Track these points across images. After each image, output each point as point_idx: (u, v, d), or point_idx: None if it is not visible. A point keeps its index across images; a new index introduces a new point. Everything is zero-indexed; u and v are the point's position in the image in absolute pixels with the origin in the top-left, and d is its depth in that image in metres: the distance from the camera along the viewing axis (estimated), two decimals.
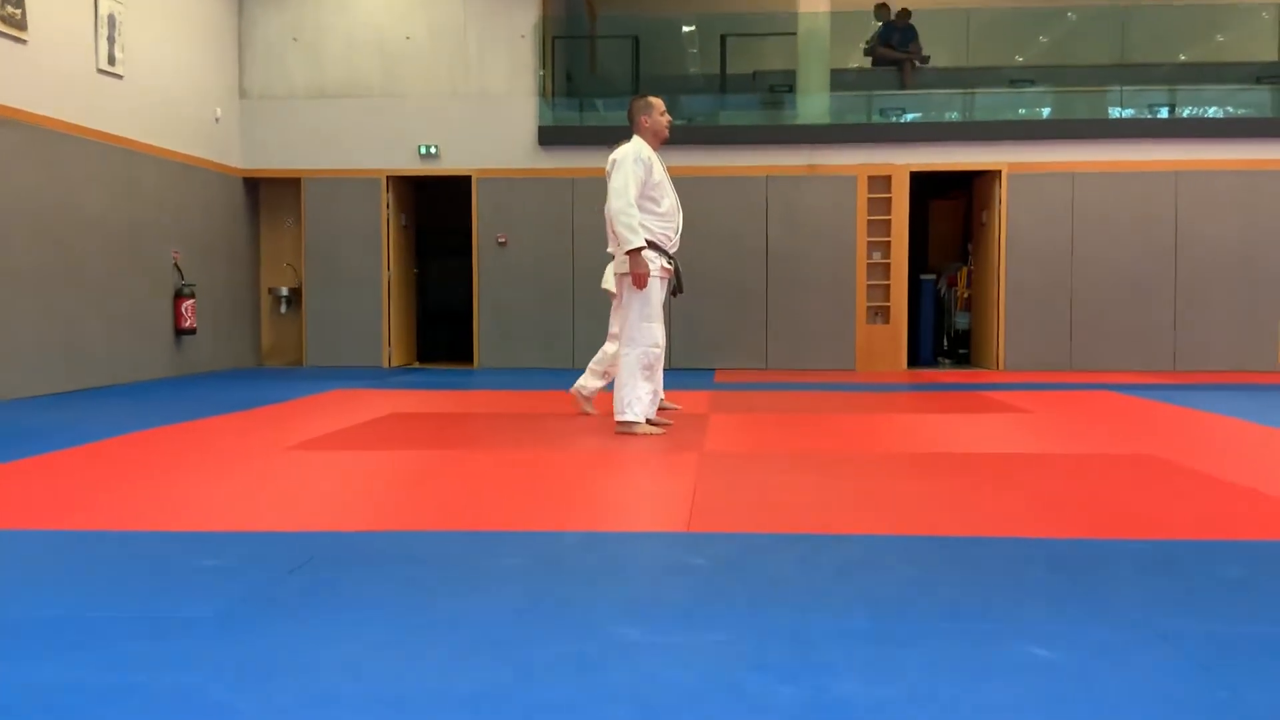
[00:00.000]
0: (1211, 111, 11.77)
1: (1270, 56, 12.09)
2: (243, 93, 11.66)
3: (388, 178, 11.62)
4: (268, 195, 12.08)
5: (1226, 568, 3.01)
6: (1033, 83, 12.19)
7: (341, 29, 11.59)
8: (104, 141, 9.11)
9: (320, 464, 4.95)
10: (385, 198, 11.61)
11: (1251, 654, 2.28)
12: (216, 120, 11.14)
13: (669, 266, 5.92)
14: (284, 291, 11.99)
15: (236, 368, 11.40)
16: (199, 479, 4.51)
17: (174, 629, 2.46)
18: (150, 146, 9.83)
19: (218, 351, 11.02)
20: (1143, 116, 11.59)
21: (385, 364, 11.63)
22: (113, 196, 9.23)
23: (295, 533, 3.47)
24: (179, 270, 10.19)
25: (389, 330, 11.70)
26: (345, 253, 11.59)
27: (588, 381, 6.75)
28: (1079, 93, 11.96)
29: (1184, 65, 12.97)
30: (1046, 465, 4.89)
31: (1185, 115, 11.70)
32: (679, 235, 5.99)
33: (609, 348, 6.58)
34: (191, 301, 10.22)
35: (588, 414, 6.70)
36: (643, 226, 5.67)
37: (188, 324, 10.19)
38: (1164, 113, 11.68)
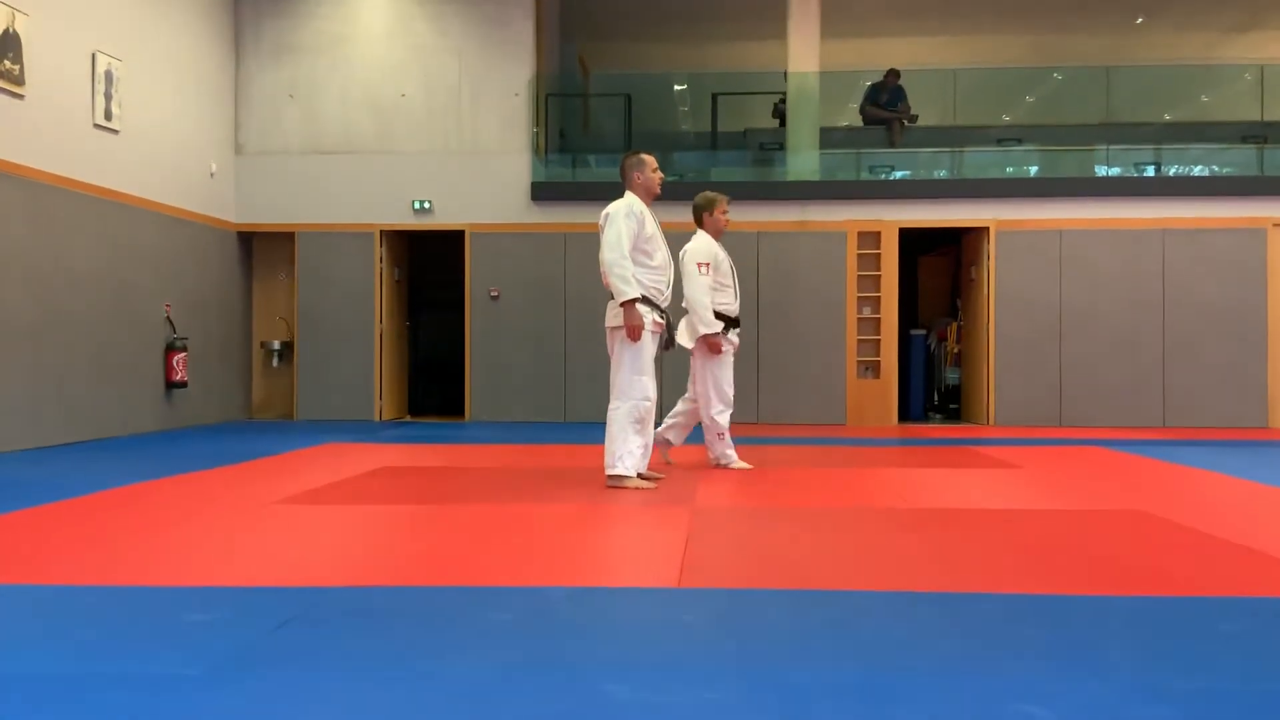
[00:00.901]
0: (1197, 170, 11.92)
1: (1254, 116, 12.26)
2: (238, 148, 11.74)
3: (381, 232, 11.68)
4: (261, 249, 12.12)
5: (1221, 624, 3.00)
6: (1020, 141, 12.34)
7: (337, 86, 11.71)
8: (99, 196, 9.16)
9: (309, 518, 4.92)
10: (379, 252, 11.65)
11: (1245, 712, 2.27)
12: (211, 175, 11.21)
13: (661, 320, 5.95)
14: (276, 345, 11.99)
15: (227, 421, 11.36)
16: (187, 533, 4.48)
17: (160, 685, 2.42)
18: (145, 201, 9.88)
19: (208, 405, 10.99)
20: (1129, 175, 11.73)
21: (377, 417, 11.60)
22: (106, 250, 9.25)
23: (283, 588, 3.44)
24: (171, 323, 10.19)
25: (381, 384, 11.69)
26: (338, 306, 11.61)
27: (669, 435, 7.01)
28: (1066, 151, 12.10)
29: (1169, 125, 13.15)
30: (1039, 521, 4.88)
31: (1171, 174, 11.85)
32: (670, 289, 6.04)
33: (685, 404, 6.98)
34: (183, 355, 10.21)
35: (668, 464, 6.93)
36: (635, 279, 5.72)
37: (179, 377, 10.16)
38: (1150, 171, 11.83)
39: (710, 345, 6.59)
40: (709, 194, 6.88)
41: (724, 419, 6.78)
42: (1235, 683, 2.48)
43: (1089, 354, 11.18)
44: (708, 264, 6.59)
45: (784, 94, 11.96)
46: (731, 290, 6.78)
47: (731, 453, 6.83)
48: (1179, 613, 3.15)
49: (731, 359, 6.81)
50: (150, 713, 2.24)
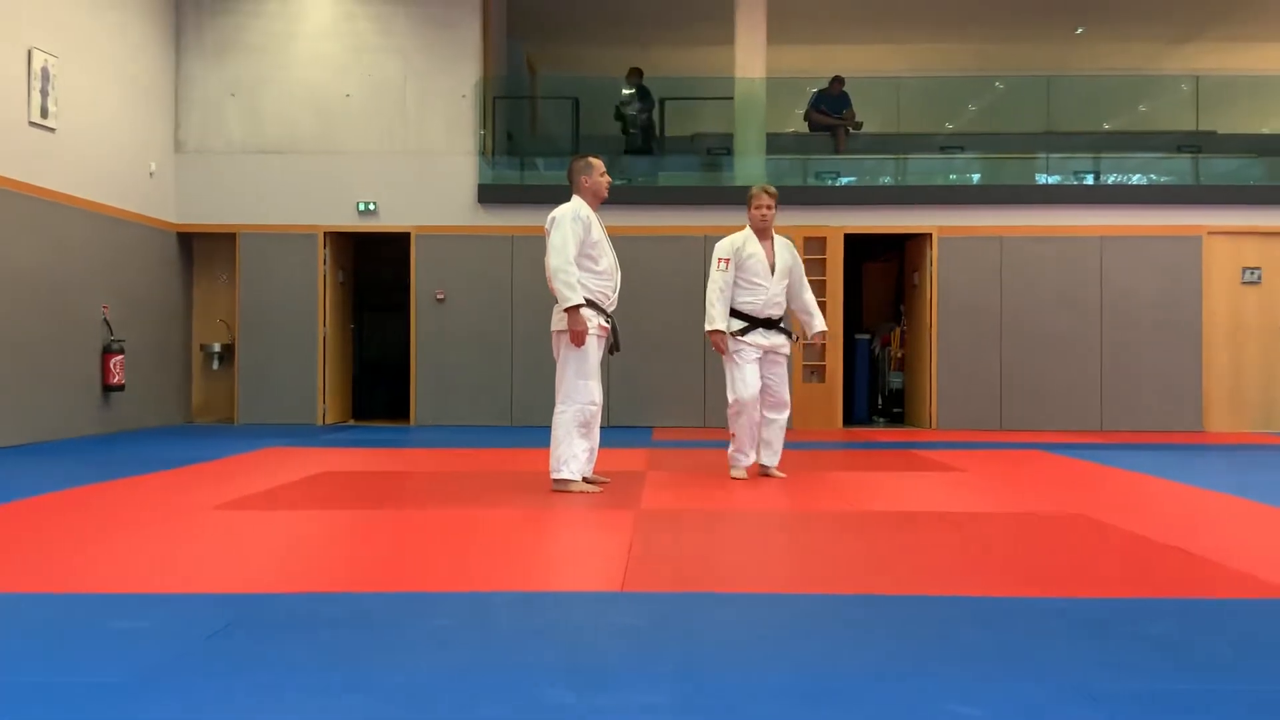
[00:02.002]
0: (1135, 178, 12.15)
1: (1190, 126, 12.53)
2: (178, 147, 11.55)
3: (325, 234, 11.55)
4: (202, 250, 11.94)
5: (1152, 625, 3.05)
6: (962, 149, 12.51)
7: (279, 85, 11.57)
8: (35, 195, 8.96)
9: (247, 524, 4.84)
10: (322, 253, 11.53)
11: (1174, 712, 2.31)
12: (151, 174, 11.01)
13: (607, 325, 5.94)
14: (216, 348, 11.81)
15: (166, 425, 11.16)
16: (120, 539, 4.39)
17: (84, 695, 2.37)
18: (83, 200, 9.69)
19: (146, 408, 10.79)
20: (1069, 183, 11.93)
21: (320, 421, 11.47)
22: (42, 250, 9.05)
23: (218, 594, 3.38)
24: (108, 325, 10.00)
25: (324, 387, 11.56)
26: (280, 308, 11.46)
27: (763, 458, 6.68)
28: (1007, 159, 12.28)
29: (1108, 134, 13.41)
30: (977, 524, 4.94)
31: (1109, 182, 12.07)
32: (617, 294, 6.03)
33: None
34: (120, 357, 10.01)
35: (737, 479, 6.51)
36: (581, 284, 5.70)
37: (116, 380, 9.97)
38: (1089, 179, 12.04)
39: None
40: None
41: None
42: (1163, 683, 2.52)
43: (1029, 359, 11.35)
44: (728, 259, 6.43)
45: (630, 96, 12.05)
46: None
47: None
48: (1111, 614, 3.20)
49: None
50: None
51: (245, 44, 11.59)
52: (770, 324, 6.50)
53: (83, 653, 2.72)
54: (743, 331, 6.46)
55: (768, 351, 6.49)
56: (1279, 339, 11.36)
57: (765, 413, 6.54)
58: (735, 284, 6.44)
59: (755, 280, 6.45)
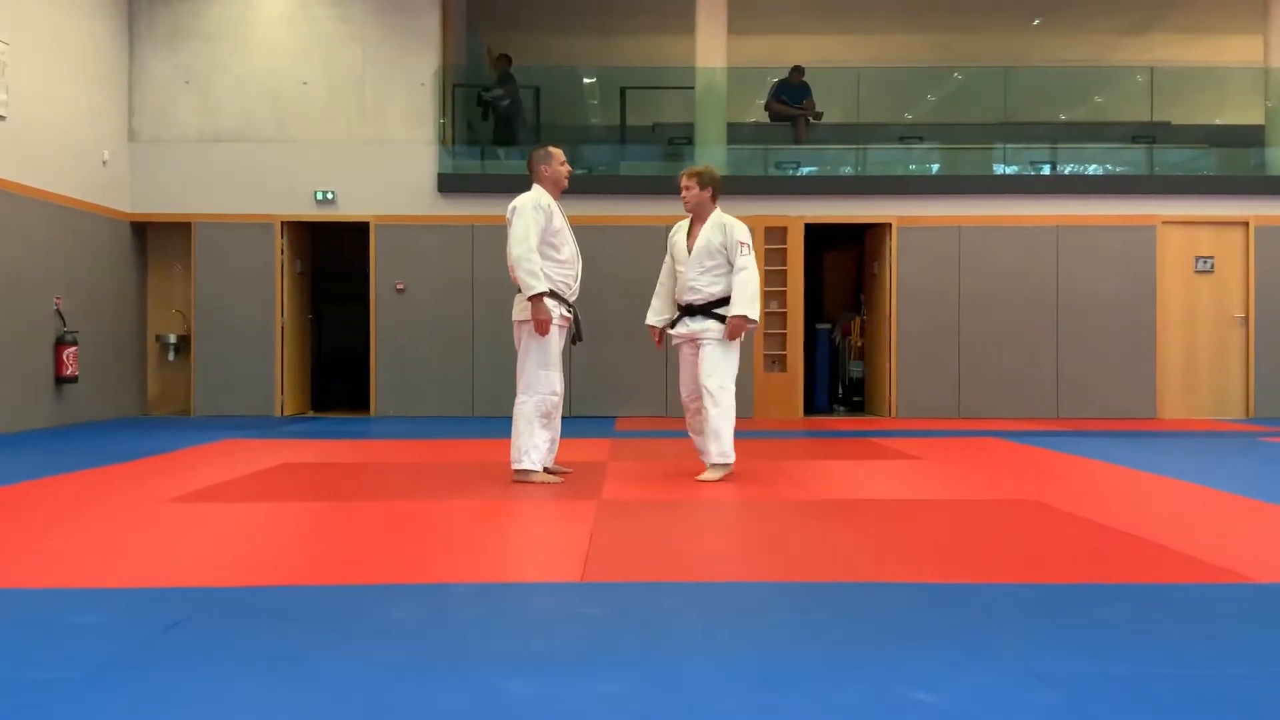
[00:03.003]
0: (1091, 169, 12.30)
1: (1144, 117, 12.70)
2: (132, 135, 11.39)
3: (282, 223, 11.43)
4: (156, 240, 11.78)
5: (1102, 609, 3.10)
6: (921, 140, 12.59)
7: (235, 72, 11.43)
8: None
9: (203, 517, 4.80)
10: (279, 243, 11.41)
11: (1125, 694, 2.35)
12: (104, 163, 10.85)
13: (569, 315, 5.93)
14: (172, 339, 11.67)
15: (120, 417, 11.02)
16: (74, 533, 4.33)
17: (38, 689, 2.34)
18: (34, 189, 9.52)
19: (101, 400, 10.65)
20: (1026, 173, 12.05)
21: (278, 413, 11.37)
22: None
23: (174, 588, 3.35)
24: (61, 316, 9.85)
25: (282, 378, 11.45)
26: (237, 299, 11.34)
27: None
28: (965, 150, 12.38)
29: (1064, 124, 13.55)
30: (934, 511, 4.99)
31: (1066, 172, 12.20)
32: (579, 283, 6.01)
33: None
34: (74, 349, 9.87)
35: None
36: (543, 274, 5.68)
37: (69, 372, 9.83)
38: (1046, 169, 12.17)
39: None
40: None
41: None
42: (1113, 666, 2.57)
43: (986, 347, 11.47)
44: (669, 249, 6.23)
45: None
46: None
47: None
48: (1066, 599, 3.25)
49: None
50: (26, 718, 2.17)
51: (199, 31, 11.43)
52: (692, 310, 6.12)
53: (38, 648, 2.69)
54: (673, 324, 6.26)
55: (690, 340, 6.15)
56: (1231, 327, 11.56)
57: (691, 402, 6.24)
58: (675, 273, 6.21)
59: (679, 266, 6.17)
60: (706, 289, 6.08)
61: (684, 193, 6.15)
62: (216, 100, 11.43)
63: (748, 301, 5.98)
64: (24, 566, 3.72)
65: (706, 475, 6.02)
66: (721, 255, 6.05)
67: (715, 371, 6.02)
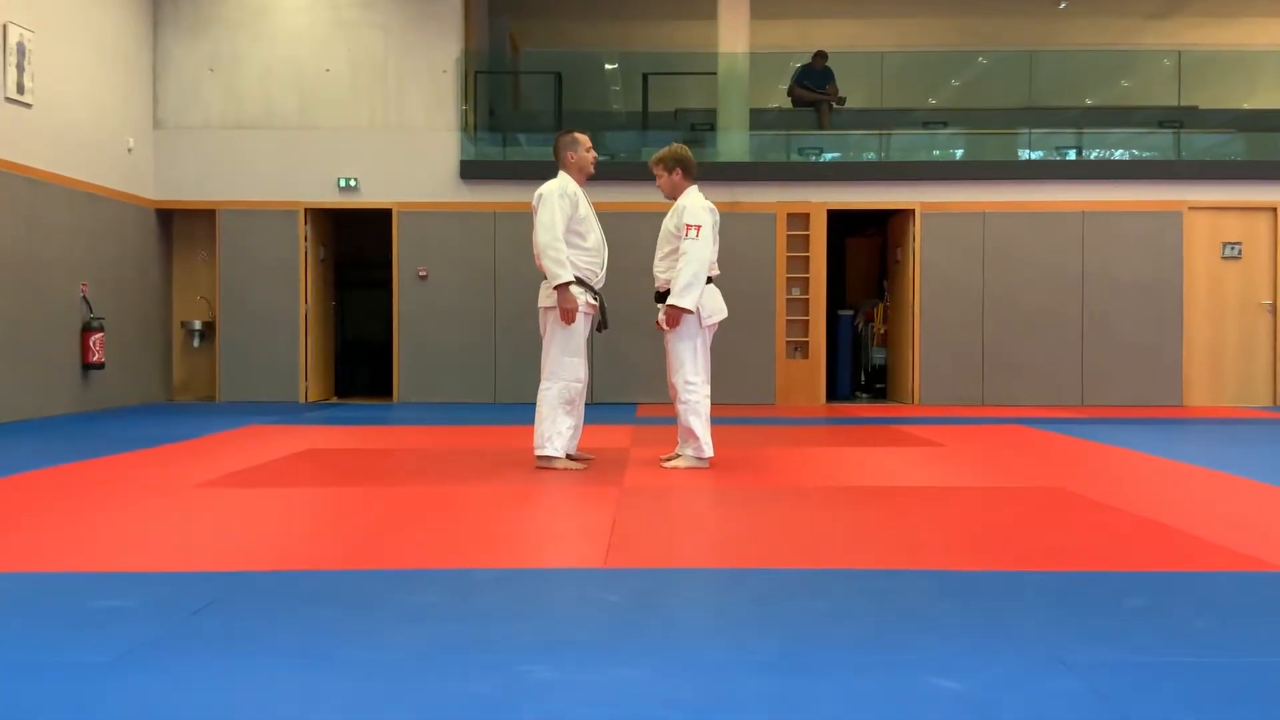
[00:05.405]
0: (1117, 154, 12.19)
1: (1171, 102, 12.56)
2: (157, 123, 11.45)
3: (306, 210, 11.48)
4: (181, 227, 11.85)
5: (1129, 598, 3.09)
6: (945, 125, 12.51)
7: (259, 60, 11.46)
8: (11, 172, 8.86)
9: (230, 502, 4.84)
10: (303, 230, 11.46)
11: (1145, 683, 2.34)
12: (129, 151, 10.91)
13: (594, 302, 5.92)
14: (197, 325, 11.75)
15: (147, 403, 11.11)
16: (103, 518, 4.38)
17: (66, 673, 2.37)
18: (60, 177, 9.59)
19: (127, 386, 10.74)
20: (1051, 158, 11.95)
21: (302, 399, 11.43)
22: (19, 228, 8.97)
23: (201, 573, 3.38)
24: (87, 303, 9.93)
25: (306, 364, 11.52)
26: (261, 285, 11.40)
27: None
28: (990, 135, 12.29)
29: (1090, 109, 13.42)
30: (958, 499, 4.97)
31: (1091, 157, 12.09)
32: (604, 270, 6.00)
33: None
34: (100, 335, 9.95)
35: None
36: (570, 262, 5.67)
37: (96, 358, 9.91)
38: (1071, 154, 12.07)
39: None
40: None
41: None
42: (1138, 655, 2.55)
43: (1010, 334, 11.40)
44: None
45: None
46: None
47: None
48: (1091, 587, 3.23)
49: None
50: (54, 701, 2.19)
51: (223, 18, 11.47)
52: (658, 297, 5.98)
53: (65, 632, 2.72)
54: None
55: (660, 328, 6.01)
56: (1258, 313, 11.45)
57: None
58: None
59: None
60: (663, 274, 5.94)
61: (657, 181, 6.04)
62: (240, 88, 11.48)
63: (679, 291, 5.72)
64: (52, 551, 3.76)
65: (675, 462, 5.92)
66: (678, 239, 5.81)
67: (679, 367, 5.89)
